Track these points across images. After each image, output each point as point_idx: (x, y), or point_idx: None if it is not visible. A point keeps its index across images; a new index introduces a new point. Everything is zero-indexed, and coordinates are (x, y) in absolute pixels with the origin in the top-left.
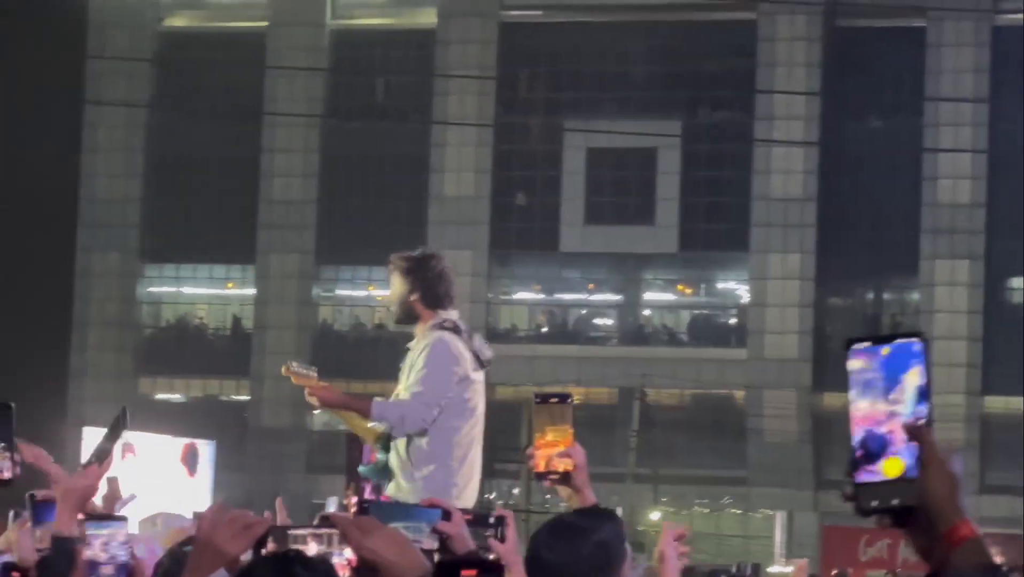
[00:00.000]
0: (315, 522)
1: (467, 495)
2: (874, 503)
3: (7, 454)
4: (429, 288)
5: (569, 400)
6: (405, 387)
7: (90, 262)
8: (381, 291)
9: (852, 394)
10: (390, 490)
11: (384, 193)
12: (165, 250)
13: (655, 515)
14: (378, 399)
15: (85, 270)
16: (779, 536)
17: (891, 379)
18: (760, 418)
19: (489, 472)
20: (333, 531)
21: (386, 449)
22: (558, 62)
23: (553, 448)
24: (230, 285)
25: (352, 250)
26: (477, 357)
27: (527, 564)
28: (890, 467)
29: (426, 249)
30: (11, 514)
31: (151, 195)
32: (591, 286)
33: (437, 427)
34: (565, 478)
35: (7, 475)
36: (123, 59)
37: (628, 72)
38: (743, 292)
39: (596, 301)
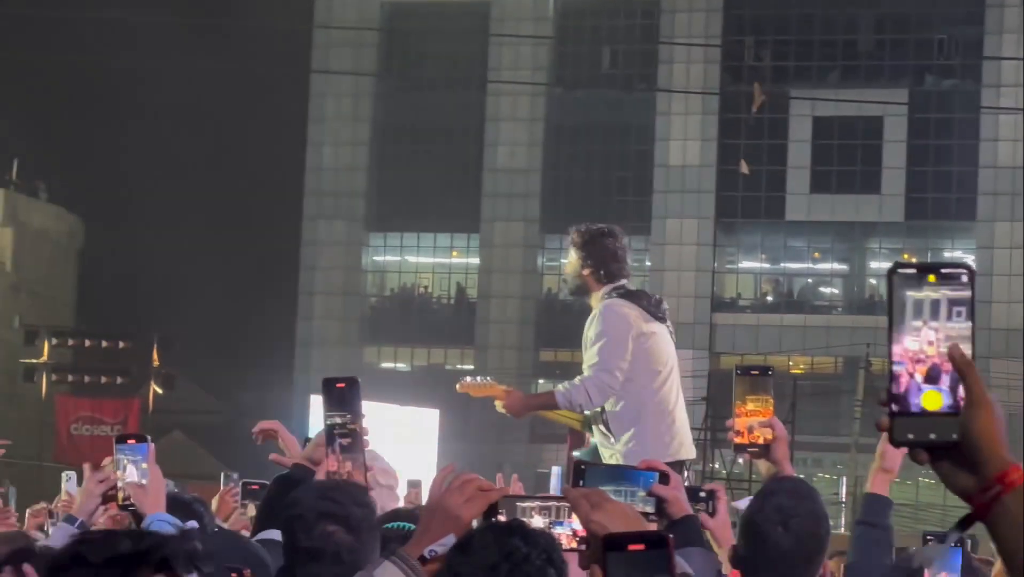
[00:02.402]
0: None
1: (676, 449)
2: (910, 436)
3: (355, 427)
4: (602, 263)
5: (770, 373)
6: (585, 361)
7: (316, 231)
8: None
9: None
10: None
11: (609, 162)
12: (390, 219)
13: None
14: (560, 387)
15: (311, 239)
16: None
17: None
18: (987, 388)
19: (713, 441)
20: (561, 504)
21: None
22: (784, 30)
23: (753, 420)
24: (455, 254)
25: (577, 219)
26: (651, 311)
27: (744, 532)
28: (929, 399)
29: (605, 225)
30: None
31: (377, 164)
32: (816, 255)
33: (627, 392)
34: (765, 450)
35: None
36: (350, 28)
37: (854, 40)
38: (969, 261)
39: (821, 270)
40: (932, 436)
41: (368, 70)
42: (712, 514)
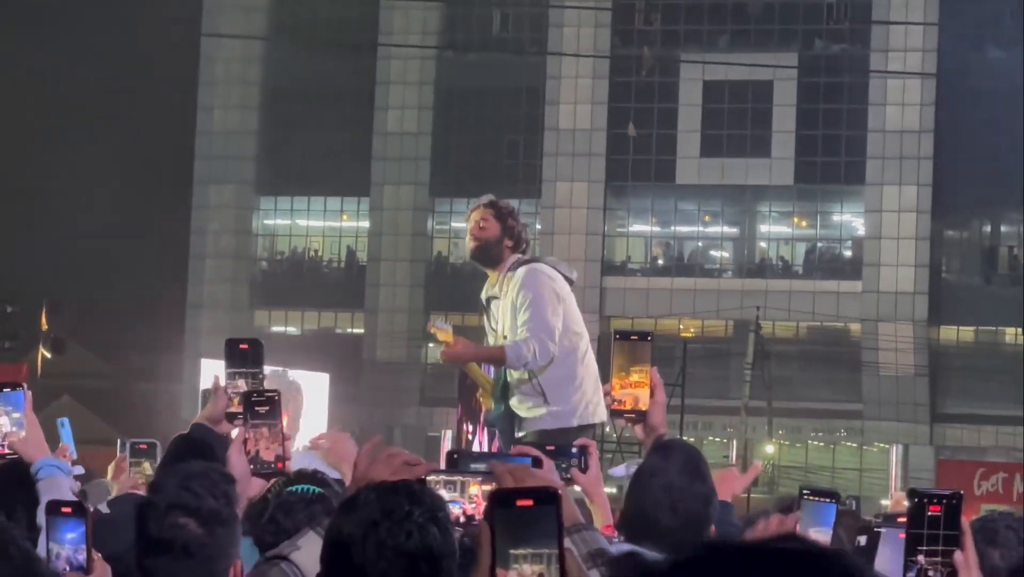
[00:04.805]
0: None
1: (599, 410)
2: None
3: (273, 394)
4: (521, 237)
5: (649, 338)
6: (515, 327)
7: (206, 195)
8: None
9: None
10: (530, 426)
11: (499, 125)
12: (280, 182)
13: (770, 448)
14: (507, 343)
15: (201, 203)
16: (894, 470)
17: None
18: (875, 351)
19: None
20: (466, 478)
21: (504, 398)
22: None
23: (633, 387)
24: (345, 218)
25: (467, 182)
26: (568, 278)
27: (631, 511)
28: None
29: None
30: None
31: (267, 128)
32: (707, 218)
33: (558, 355)
34: (640, 416)
35: (270, 456)
36: None
37: (744, 4)
38: (858, 224)
39: (711, 233)
40: None
41: (258, 33)
42: (584, 470)
